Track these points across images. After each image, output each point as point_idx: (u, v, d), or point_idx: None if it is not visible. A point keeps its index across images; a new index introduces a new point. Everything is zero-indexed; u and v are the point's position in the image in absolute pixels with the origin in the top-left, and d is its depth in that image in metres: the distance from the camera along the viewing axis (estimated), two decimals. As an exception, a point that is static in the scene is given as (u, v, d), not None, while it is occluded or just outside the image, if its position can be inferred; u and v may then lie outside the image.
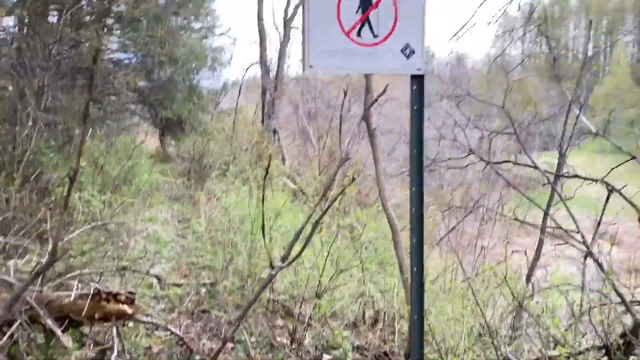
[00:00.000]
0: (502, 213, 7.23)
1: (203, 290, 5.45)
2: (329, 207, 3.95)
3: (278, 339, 4.26)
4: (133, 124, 17.03)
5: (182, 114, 15.83)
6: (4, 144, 7.20)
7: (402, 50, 2.01)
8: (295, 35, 20.14)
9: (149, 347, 3.76)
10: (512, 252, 12.50)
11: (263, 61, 19.13)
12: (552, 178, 5.88)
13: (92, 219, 5.91)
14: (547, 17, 5.42)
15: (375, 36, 2.01)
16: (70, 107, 8.08)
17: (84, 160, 6.98)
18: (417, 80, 2.17)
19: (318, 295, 4.35)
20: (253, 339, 4.08)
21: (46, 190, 7.39)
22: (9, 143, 7.22)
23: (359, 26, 1.99)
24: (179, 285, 5.19)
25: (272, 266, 3.28)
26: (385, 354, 4.17)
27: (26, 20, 8.52)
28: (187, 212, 9.72)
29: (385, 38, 2.01)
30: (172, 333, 3.65)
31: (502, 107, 5.77)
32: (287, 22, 18.87)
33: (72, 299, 2.89)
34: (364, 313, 5.06)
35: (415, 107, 2.17)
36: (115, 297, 3.01)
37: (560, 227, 4.96)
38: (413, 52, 2.03)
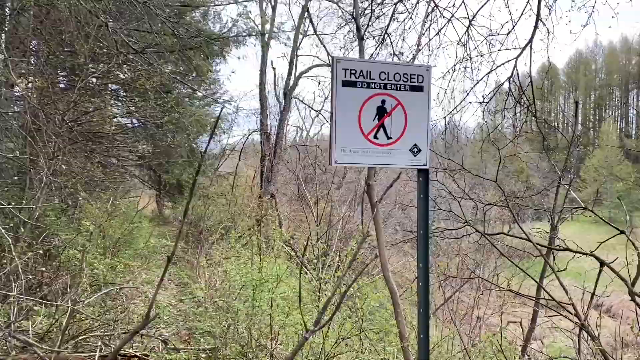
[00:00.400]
0: (496, 284, 7.35)
1: (203, 355, 5.49)
2: (355, 279, 4.13)
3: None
4: (132, 186, 17.31)
5: (181, 178, 16.17)
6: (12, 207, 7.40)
7: (410, 149, 2.38)
8: (294, 104, 20.95)
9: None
10: (508, 322, 12.52)
11: (263, 128, 19.74)
12: (545, 250, 6.09)
13: (96, 281, 6.03)
14: (535, 99, 5.83)
15: (388, 138, 2.40)
16: (79, 172, 8.34)
17: (90, 223, 7.15)
18: (423, 173, 2.60)
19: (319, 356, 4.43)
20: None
21: (49, 252, 7.53)
22: (17, 205, 7.43)
23: (375, 130, 2.34)
24: (178, 350, 5.24)
25: (306, 329, 3.46)
26: None
27: (37, 84, 8.93)
28: (185, 276, 9.79)
29: (397, 139, 2.41)
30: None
31: (495, 181, 6.07)
32: (287, 92, 19.65)
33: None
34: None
35: (421, 196, 2.56)
36: (130, 359, 3.13)
37: (553, 299, 5.11)
38: (419, 150, 2.42)
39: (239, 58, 26.09)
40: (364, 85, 2.40)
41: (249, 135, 21.37)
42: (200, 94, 17.56)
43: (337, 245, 9.76)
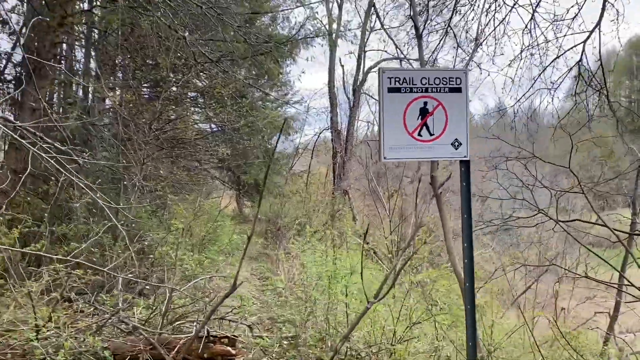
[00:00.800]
0: (572, 271, 7.20)
1: (285, 342, 5.88)
2: (408, 260, 4.34)
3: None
4: (214, 187, 18.27)
5: (259, 178, 16.86)
6: (109, 210, 8.19)
7: (451, 143, 2.67)
8: (364, 99, 21.12)
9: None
10: (595, 313, 12.04)
11: (334, 125, 20.09)
12: (625, 236, 5.93)
13: (186, 276, 6.59)
14: (606, 82, 5.70)
15: (431, 135, 2.72)
16: (166, 176, 9.05)
17: (179, 223, 7.77)
18: (464, 163, 2.88)
19: (393, 344, 4.66)
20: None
21: (143, 251, 8.25)
22: (113, 209, 8.21)
23: (419, 129, 2.63)
24: (262, 338, 5.66)
25: (368, 301, 3.75)
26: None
27: (128, 97, 9.74)
28: (266, 270, 10.32)
29: (439, 136, 2.74)
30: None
31: (568, 167, 5.98)
32: (356, 88, 19.87)
33: (184, 340, 3.44)
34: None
35: (464, 184, 2.89)
36: (220, 339, 3.53)
37: (632, 285, 5.01)
38: (460, 144, 2.73)
39: (307, 59, 26.66)
40: (407, 90, 2.72)
41: (320, 133, 21.84)
42: (272, 96, 18.18)
43: (411, 237, 9.88)
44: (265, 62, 13.47)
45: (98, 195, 4.12)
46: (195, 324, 4.02)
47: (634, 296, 5.80)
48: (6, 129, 2.61)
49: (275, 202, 15.14)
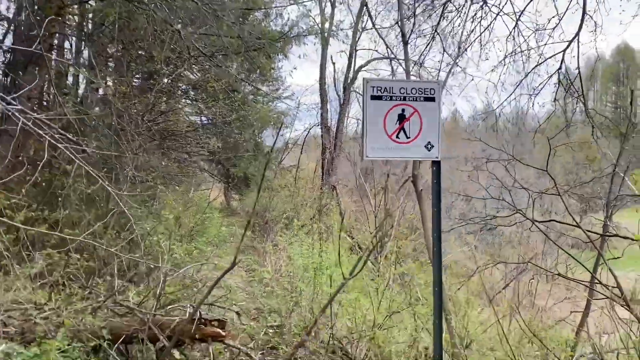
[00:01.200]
0: (546, 268, 7.52)
1: (270, 331, 6.12)
2: (378, 242, 4.58)
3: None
4: (203, 180, 18.42)
5: (248, 171, 17.05)
6: (100, 199, 8.36)
7: (425, 145, 2.98)
8: (354, 97, 21.37)
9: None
10: (571, 312, 12.47)
11: (324, 122, 20.32)
12: (596, 237, 6.25)
13: (176, 265, 6.79)
14: (583, 90, 5.99)
15: (407, 137, 3.04)
16: (157, 167, 9.22)
17: (169, 213, 7.96)
18: (436, 164, 3.26)
19: (373, 330, 4.93)
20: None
21: (132, 240, 8.43)
22: (104, 198, 8.37)
23: (397, 132, 2.93)
24: (249, 326, 5.90)
25: (344, 278, 4.01)
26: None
27: (122, 88, 9.88)
28: (253, 262, 10.53)
29: (414, 138, 3.12)
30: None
31: (545, 170, 6.28)
32: (347, 86, 20.12)
33: (177, 321, 3.67)
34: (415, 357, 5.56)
35: (435, 181, 3.25)
36: (211, 322, 3.76)
37: (601, 283, 5.32)
38: (433, 146, 3.09)
39: (299, 56, 26.82)
40: (388, 98, 3.12)
41: (310, 129, 22.07)
42: (263, 91, 18.34)
43: (395, 233, 10.17)
44: (258, 58, 13.65)
45: (107, 184, 4.30)
46: (188, 306, 4.24)
47: (603, 295, 6.12)
48: (25, 121, 2.80)
49: (263, 196, 15.33)
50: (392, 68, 17.20)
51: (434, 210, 3.15)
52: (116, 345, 3.76)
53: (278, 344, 5.54)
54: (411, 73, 6.70)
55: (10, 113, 2.70)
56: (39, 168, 3.65)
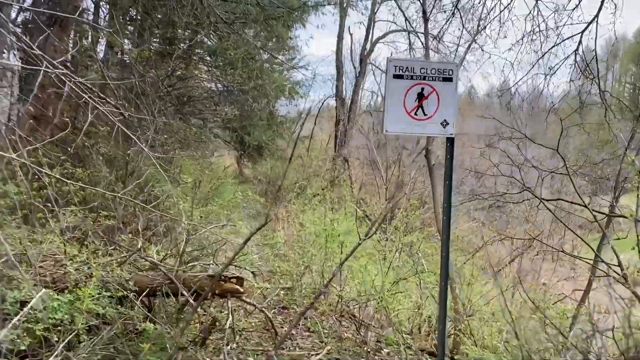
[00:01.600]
0: (550, 245, 7.70)
1: (282, 292, 6.41)
2: (384, 215, 4.80)
3: (345, 334, 5.12)
4: (217, 147, 18.65)
5: (261, 140, 17.24)
6: (120, 160, 8.62)
7: (441, 123, 3.15)
8: (370, 69, 21.32)
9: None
10: (574, 290, 12.69)
11: (338, 93, 20.35)
12: (602, 217, 6.40)
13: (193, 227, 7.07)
14: (599, 72, 6.05)
15: (425, 115, 3.22)
16: (176, 131, 9.44)
17: (189, 177, 8.21)
18: (450, 140, 3.46)
19: (380, 294, 5.19)
20: (325, 331, 4.97)
21: (149, 202, 8.71)
22: (123, 159, 8.63)
23: (416, 109, 3.10)
24: (263, 286, 6.19)
25: (360, 239, 4.23)
26: (431, 353, 4.91)
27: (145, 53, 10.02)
28: (265, 229, 10.82)
29: (431, 116, 3.31)
30: (266, 317, 4.62)
31: (556, 150, 6.40)
32: (363, 58, 20.05)
33: (200, 276, 3.93)
34: (419, 326, 5.84)
35: (448, 157, 3.44)
36: (230, 279, 4.02)
37: (603, 261, 5.50)
38: (448, 123, 3.23)
39: (317, 26, 26.67)
40: (409, 77, 3.32)
41: (325, 100, 22.09)
42: (280, 60, 18.34)
43: (405, 206, 10.38)
44: (276, 26, 13.67)
45: (144, 145, 4.51)
46: (211, 263, 4.50)
47: (604, 272, 6.31)
48: (70, 84, 2.99)
49: (276, 165, 15.57)
50: (409, 41, 17.12)
51: (446, 184, 3.35)
52: (141, 297, 4.03)
53: (289, 304, 5.83)
54: (430, 48, 6.78)
55: (53, 76, 2.87)
56: (83, 130, 3.84)
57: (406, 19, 14.79)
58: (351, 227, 7.16)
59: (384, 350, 4.84)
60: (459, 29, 6.67)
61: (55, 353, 3.24)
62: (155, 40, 12.98)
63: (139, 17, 11.60)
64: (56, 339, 3.37)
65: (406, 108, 3.26)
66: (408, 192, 12.81)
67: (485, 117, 6.74)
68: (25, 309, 3.35)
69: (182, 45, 11.45)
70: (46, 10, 6.93)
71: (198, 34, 10.30)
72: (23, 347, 3.13)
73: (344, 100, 20.14)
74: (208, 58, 13.84)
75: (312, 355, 4.35)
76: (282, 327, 5.01)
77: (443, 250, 3.35)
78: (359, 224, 12.27)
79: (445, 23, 6.87)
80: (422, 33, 11.33)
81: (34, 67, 2.88)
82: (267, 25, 12.87)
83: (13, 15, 10.49)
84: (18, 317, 3.27)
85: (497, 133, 7.20)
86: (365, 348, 4.80)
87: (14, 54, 8.74)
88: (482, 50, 7.06)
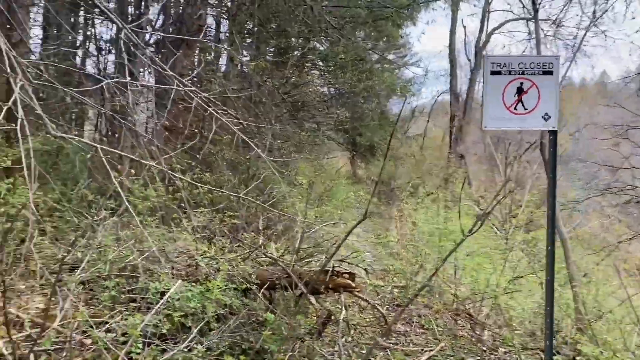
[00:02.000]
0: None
1: (395, 290, 6.49)
2: (495, 204, 4.66)
3: (460, 332, 5.08)
4: (330, 149, 19.15)
5: (373, 140, 17.38)
6: (241, 164, 9.25)
7: (542, 116, 3.12)
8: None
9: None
10: None
11: (453, 88, 19.87)
12: None
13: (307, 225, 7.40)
14: None
15: (525, 109, 3.24)
16: (291, 136, 9.91)
17: (304, 178, 8.59)
18: (553, 133, 3.41)
19: (495, 293, 5.06)
20: (439, 329, 4.98)
21: (266, 202, 9.25)
22: (244, 164, 9.24)
23: (515, 104, 3.08)
24: (376, 284, 6.31)
25: (463, 234, 4.21)
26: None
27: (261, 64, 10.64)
28: (378, 228, 10.94)
29: (532, 110, 3.29)
30: (380, 314, 4.75)
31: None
32: (478, 51, 19.38)
33: (315, 271, 4.16)
34: (541, 328, 5.58)
35: (551, 150, 3.41)
36: (342, 274, 4.21)
37: None
38: (550, 117, 3.25)
39: (427, 22, 26.21)
40: (507, 72, 3.28)
41: (438, 96, 21.68)
42: (390, 58, 18.35)
43: (525, 202, 9.90)
44: (386, 26, 13.74)
45: (263, 151, 4.90)
46: (324, 257, 4.74)
47: None
48: (196, 99, 3.40)
49: (389, 165, 15.61)
50: (529, 30, 16.22)
51: (550, 178, 3.28)
52: (262, 290, 4.36)
53: (403, 302, 5.89)
54: (548, 33, 6.44)
55: (183, 93, 3.28)
56: (209, 138, 4.29)
57: (524, 6, 14.07)
58: (467, 225, 7.02)
59: (500, 349, 4.72)
60: (578, 15, 6.24)
61: (191, 337, 3.64)
62: (270, 50, 13.70)
63: (255, 29, 12.34)
64: (190, 325, 3.79)
65: (505, 103, 3.24)
66: (528, 188, 12.18)
67: (612, 106, 6.24)
68: (164, 298, 3.81)
69: (295, 52, 11.97)
70: (176, 36, 7.68)
71: (310, 41, 10.70)
72: (164, 331, 3.56)
73: (458, 95, 19.62)
74: (320, 63, 14.31)
75: (426, 351, 4.39)
76: (396, 324, 5.10)
77: (548, 244, 3.23)
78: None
79: (563, 8, 6.47)
80: (542, 20, 10.73)
81: (167, 86, 3.28)
82: (376, 26, 12.99)
83: (147, 37, 11.70)
84: (159, 305, 3.73)
85: (624, 123, 6.64)
86: (480, 346, 4.72)
87: (149, 73, 9.77)
88: (605, 35, 6.55)
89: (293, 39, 10.67)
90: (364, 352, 4.21)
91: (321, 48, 13.21)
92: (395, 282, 6.84)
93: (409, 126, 21.68)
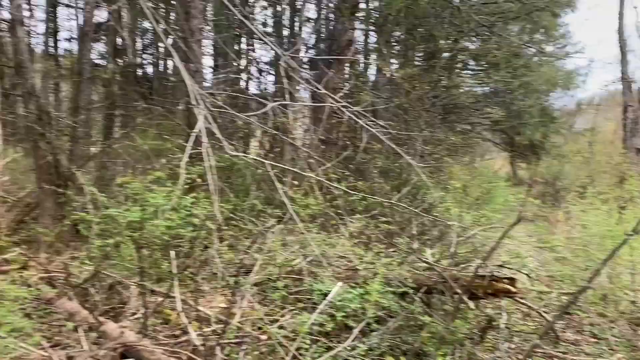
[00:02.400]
0: None
1: (564, 298, 6.07)
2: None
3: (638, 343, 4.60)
4: (486, 150, 18.41)
5: (534, 138, 16.32)
6: (393, 171, 9.39)
7: None
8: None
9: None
10: None
11: (624, 76, 17.82)
12: None
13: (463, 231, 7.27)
14: None
15: None
16: (442, 140, 9.83)
17: (456, 182, 8.47)
18: None
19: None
20: (613, 339, 4.57)
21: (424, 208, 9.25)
22: (396, 171, 9.37)
23: None
24: (542, 292, 5.97)
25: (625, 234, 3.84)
26: None
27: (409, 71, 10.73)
28: (542, 233, 10.24)
29: None
30: (545, 320, 4.53)
31: None
32: (654, 31, 17.17)
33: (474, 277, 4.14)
34: None
35: None
36: (502, 280, 4.12)
37: None
38: None
39: (588, 8, 23.88)
40: None
41: (608, 86, 19.59)
42: (548, 51, 17.12)
43: None
44: (541, 17, 12.91)
45: (414, 157, 5.05)
46: (482, 264, 4.67)
47: None
48: (347, 113, 3.66)
49: (553, 163, 14.56)
50: None
51: None
52: (418, 294, 4.44)
53: (573, 310, 5.50)
54: None
55: (336, 109, 3.56)
56: (361, 148, 4.55)
57: None
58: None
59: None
60: None
61: (353, 337, 3.87)
62: (418, 55, 13.70)
63: (401, 37, 12.46)
64: (352, 325, 4.03)
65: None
66: None
67: None
68: (327, 299, 4.10)
69: (444, 55, 11.82)
70: (328, 57, 8.18)
71: (458, 42, 10.53)
72: (328, 329, 3.85)
73: (631, 83, 17.53)
74: (471, 62, 13.91)
75: (599, 362, 4.08)
76: (564, 332, 4.79)
77: None
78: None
79: None
80: None
81: (321, 104, 3.59)
82: (530, 19, 12.27)
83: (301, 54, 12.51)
84: (322, 304, 4.03)
85: None
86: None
87: (305, 89, 10.44)
88: None
89: (441, 42, 10.57)
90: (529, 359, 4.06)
91: (471, 47, 12.84)
92: (562, 288, 6.41)
93: (574, 121, 19.95)
